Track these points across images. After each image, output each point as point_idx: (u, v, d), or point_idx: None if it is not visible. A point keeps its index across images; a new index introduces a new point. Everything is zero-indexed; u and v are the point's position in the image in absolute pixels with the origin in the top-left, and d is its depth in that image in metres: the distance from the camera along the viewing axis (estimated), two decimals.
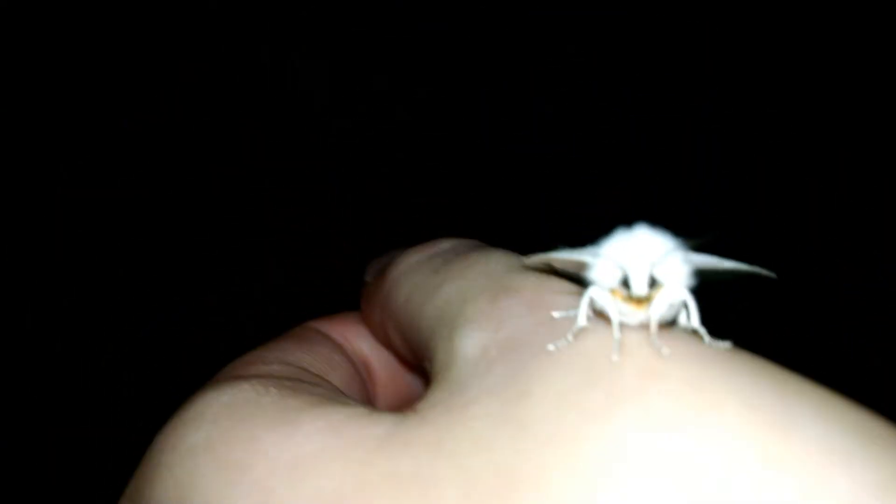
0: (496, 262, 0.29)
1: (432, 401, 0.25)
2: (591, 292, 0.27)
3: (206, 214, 1.12)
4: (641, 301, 0.26)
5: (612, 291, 0.26)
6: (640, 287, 0.26)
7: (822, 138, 1.13)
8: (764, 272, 0.28)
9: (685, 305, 0.27)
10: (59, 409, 1.02)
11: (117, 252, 1.09)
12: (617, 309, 0.26)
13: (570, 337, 0.25)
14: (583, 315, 0.26)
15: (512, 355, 0.25)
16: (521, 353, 0.25)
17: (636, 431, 0.21)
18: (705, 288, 0.29)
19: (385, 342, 0.34)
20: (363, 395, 0.34)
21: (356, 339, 0.34)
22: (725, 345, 0.25)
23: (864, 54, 1.14)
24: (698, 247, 0.28)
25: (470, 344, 0.26)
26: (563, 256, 0.28)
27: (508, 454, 0.22)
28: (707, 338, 0.26)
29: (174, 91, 1.15)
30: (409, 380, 0.35)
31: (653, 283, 0.26)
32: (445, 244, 0.32)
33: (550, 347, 0.25)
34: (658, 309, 0.26)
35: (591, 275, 0.27)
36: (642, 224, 0.28)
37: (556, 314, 0.27)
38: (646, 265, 0.26)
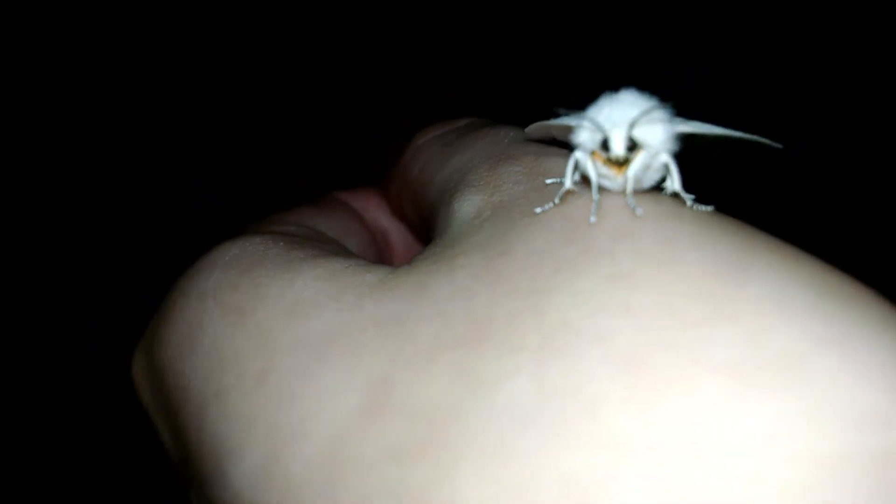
0: (504, 134, 0.31)
1: (425, 254, 0.26)
2: (575, 156, 0.27)
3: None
4: (621, 164, 0.26)
5: (593, 154, 0.27)
6: (617, 148, 0.26)
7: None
8: (766, 141, 0.29)
9: (670, 169, 0.27)
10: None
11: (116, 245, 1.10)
12: (597, 172, 0.27)
13: (556, 200, 0.26)
14: (568, 179, 0.27)
15: (503, 216, 0.26)
16: (512, 213, 0.26)
17: (600, 284, 0.22)
18: (714, 155, 0.29)
19: (400, 215, 0.36)
20: (378, 262, 0.35)
21: (376, 210, 0.37)
22: (708, 208, 0.26)
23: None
24: (694, 113, 0.28)
25: (466, 205, 0.27)
26: (556, 122, 0.29)
27: (483, 302, 0.23)
28: (689, 201, 0.26)
29: (175, 90, 1.15)
30: None
31: (633, 146, 0.26)
32: (461, 122, 0.34)
33: (537, 210, 0.26)
34: (634, 170, 0.26)
35: (576, 138, 0.28)
36: (630, 88, 0.28)
37: (547, 181, 0.28)
38: (624, 127, 0.26)
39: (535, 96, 1.18)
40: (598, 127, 0.27)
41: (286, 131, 1.17)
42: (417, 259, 0.26)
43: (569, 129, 0.28)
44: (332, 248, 0.29)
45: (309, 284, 0.25)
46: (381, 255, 0.37)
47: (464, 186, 0.28)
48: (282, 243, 0.27)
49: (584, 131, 0.27)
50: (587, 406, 0.20)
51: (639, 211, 0.25)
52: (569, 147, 0.29)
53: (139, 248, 1.10)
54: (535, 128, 0.31)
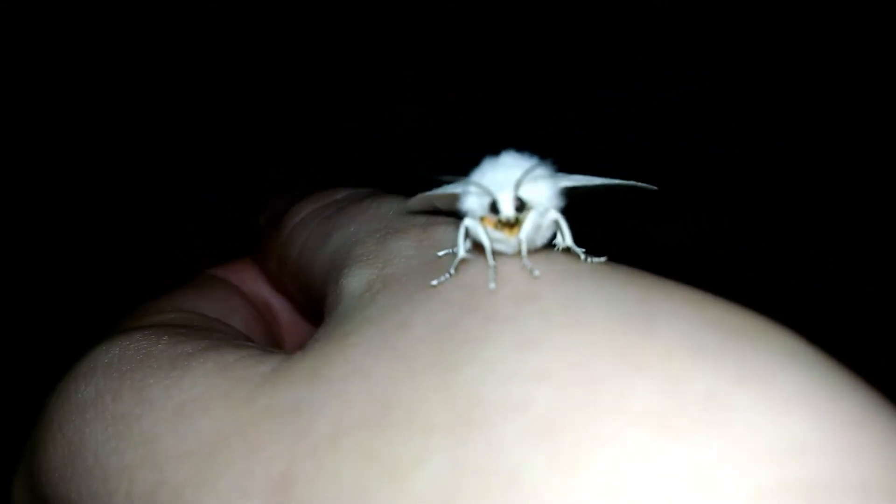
0: (387, 207, 0.30)
1: (317, 336, 0.25)
2: (465, 223, 0.27)
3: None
4: (513, 226, 0.26)
5: (483, 219, 0.27)
6: (507, 210, 0.26)
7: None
8: (643, 185, 0.29)
9: (560, 225, 0.27)
10: None
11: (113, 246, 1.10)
12: (490, 236, 0.26)
13: (452, 271, 0.25)
14: (461, 247, 0.27)
15: (395, 289, 0.25)
16: (405, 287, 0.25)
17: (509, 352, 0.22)
18: (604, 206, 0.30)
19: (282, 291, 0.34)
20: (268, 337, 0.34)
21: (255, 282, 0.34)
22: (601, 259, 0.26)
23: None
24: (572, 167, 0.28)
25: (356, 280, 0.26)
26: (439, 192, 0.29)
27: (384, 381, 0.22)
28: (583, 255, 0.26)
29: (177, 91, 1.15)
30: (311, 321, 0.35)
31: (522, 206, 0.26)
32: (340, 193, 0.32)
33: (433, 283, 0.25)
34: (526, 231, 0.26)
35: (464, 206, 0.27)
36: (509, 150, 0.28)
37: (439, 253, 0.27)
38: (510, 188, 0.26)
39: (534, 96, 1.18)
40: (485, 190, 0.26)
41: (286, 131, 1.17)
42: (310, 343, 0.25)
43: (453, 198, 0.28)
44: (222, 336, 0.28)
45: (198, 381, 0.23)
46: (268, 328, 0.35)
47: (351, 262, 0.27)
48: (166, 337, 0.26)
49: (471, 197, 0.27)
50: (510, 481, 0.19)
51: (536, 272, 0.25)
52: (455, 216, 0.29)
53: (139, 248, 1.10)
54: (418, 200, 0.30)
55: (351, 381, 0.22)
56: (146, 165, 1.13)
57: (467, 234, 0.27)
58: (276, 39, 1.18)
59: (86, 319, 1.06)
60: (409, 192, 0.31)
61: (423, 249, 0.28)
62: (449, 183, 0.28)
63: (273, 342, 0.34)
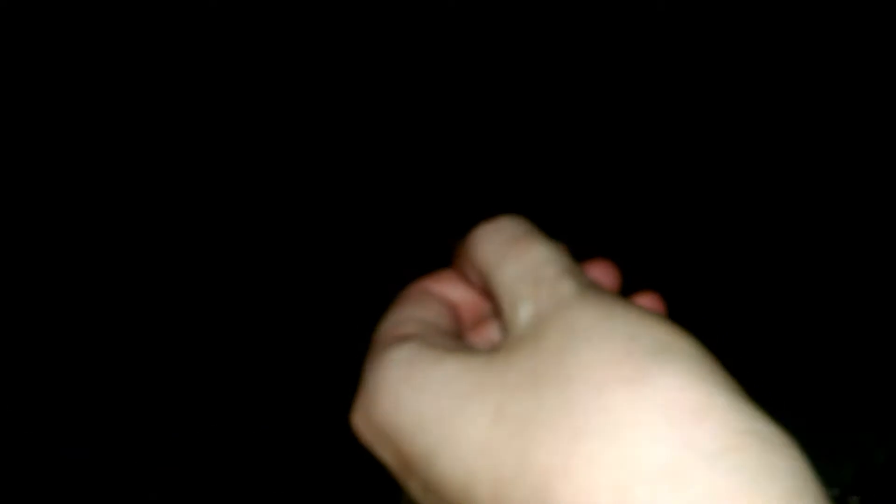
0: (533, 260, 0.34)
1: (504, 345, 0.32)
2: None
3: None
4: None
5: None
6: None
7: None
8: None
9: None
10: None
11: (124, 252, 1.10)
12: None
13: None
14: None
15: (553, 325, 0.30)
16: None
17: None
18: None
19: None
20: (461, 334, 0.42)
21: (451, 290, 0.43)
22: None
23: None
24: None
25: (522, 315, 0.32)
26: None
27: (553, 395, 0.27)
28: None
29: (176, 90, 1.15)
30: (487, 324, 0.43)
31: None
32: (506, 226, 0.38)
33: None
34: None
35: None
36: None
37: None
38: None
39: (534, 96, 1.18)
40: None
41: (285, 131, 1.17)
42: (503, 346, 0.31)
43: None
44: (451, 342, 0.35)
45: (449, 367, 0.31)
46: (459, 327, 0.42)
47: (518, 299, 0.32)
48: (427, 346, 0.34)
49: None
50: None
51: None
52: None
53: (138, 248, 1.10)
54: None
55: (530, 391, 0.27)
56: (147, 166, 1.13)
57: None
58: (276, 40, 1.18)
59: (85, 319, 1.06)
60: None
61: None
62: None
63: (461, 336, 0.42)
